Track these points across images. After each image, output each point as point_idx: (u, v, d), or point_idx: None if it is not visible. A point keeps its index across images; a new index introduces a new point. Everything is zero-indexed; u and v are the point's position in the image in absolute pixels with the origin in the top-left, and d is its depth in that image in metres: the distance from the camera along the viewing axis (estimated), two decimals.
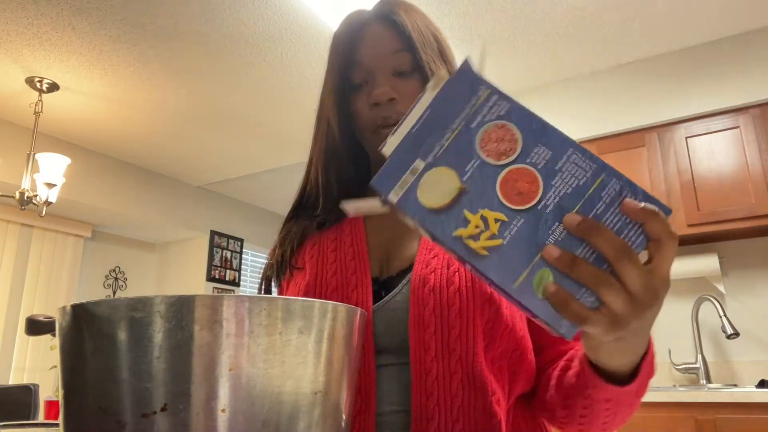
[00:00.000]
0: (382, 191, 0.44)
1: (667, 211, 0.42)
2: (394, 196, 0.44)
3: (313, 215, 0.81)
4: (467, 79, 0.45)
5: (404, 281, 0.69)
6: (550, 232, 0.42)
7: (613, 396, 0.55)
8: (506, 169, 0.44)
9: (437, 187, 0.44)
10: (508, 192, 0.43)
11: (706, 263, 2.65)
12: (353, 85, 0.77)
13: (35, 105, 3.08)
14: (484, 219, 0.43)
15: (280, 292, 0.82)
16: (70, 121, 3.48)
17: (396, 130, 0.45)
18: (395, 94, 0.73)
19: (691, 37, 2.75)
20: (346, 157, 0.78)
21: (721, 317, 2.52)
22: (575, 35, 2.71)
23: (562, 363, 0.67)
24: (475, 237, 0.43)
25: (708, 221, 2.54)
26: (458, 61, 0.80)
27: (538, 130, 0.44)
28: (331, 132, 0.79)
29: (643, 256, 0.42)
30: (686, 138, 2.68)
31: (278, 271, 0.80)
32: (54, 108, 3.30)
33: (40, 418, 2.61)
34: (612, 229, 0.42)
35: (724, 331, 2.50)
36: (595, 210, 0.42)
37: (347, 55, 0.76)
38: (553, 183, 0.43)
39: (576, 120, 3.00)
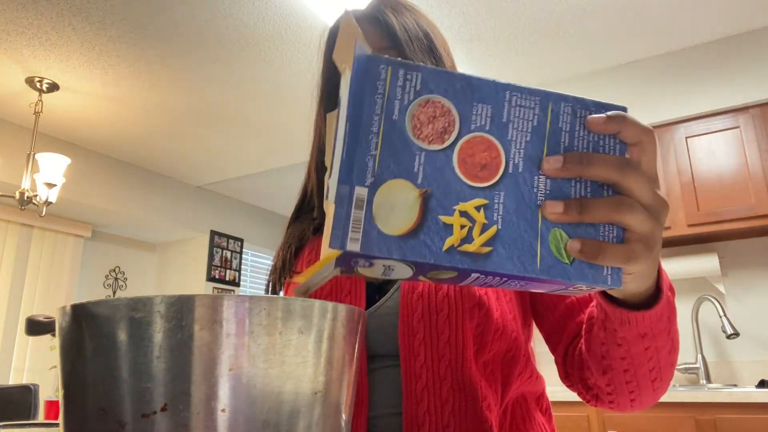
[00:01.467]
0: (344, 266, 0.37)
1: (621, 107, 0.39)
2: (354, 245, 0.34)
3: (311, 219, 0.82)
4: (363, 66, 0.36)
5: (395, 287, 0.70)
6: (535, 190, 0.37)
7: (647, 328, 0.50)
8: (456, 147, 0.37)
9: (395, 206, 0.35)
10: (470, 171, 0.37)
11: (706, 263, 2.65)
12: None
13: (35, 105, 3.08)
14: (464, 214, 0.36)
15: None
16: (70, 121, 3.48)
17: (330, 171, 0.38)
18: None
19: (691, 37, 2.75)
20: None
21: (721, 317, 2.52)
22: (575, 35, 2.72)
23: (582, 333, 0.63)
24: (467, 239, 0.36)
25: (708, 221, 2.54)
26: (455, 58, 0.80)
27: (465, 89, 0.37)
28: (321, 135, 0.79)
29: None
30: (686, 138, 2.68)
31: (280, 276, 0.81)
32: (54, 108, 3.30)
33: (40, 418, 2.61)
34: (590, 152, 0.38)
35: (724, 331, 2.50)
36: (562, 144, 0.38)
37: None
38: (509, 138, 0.37)
39: None
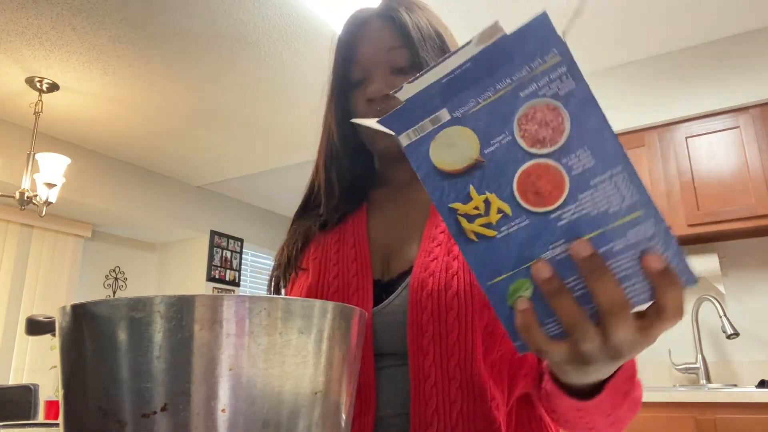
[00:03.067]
0: (392, 129, 0.39)
1: (691, 281, 0.36)
2: (404, 139, 0.39)
3: (317, 215, 0.81)
4: (538, 34, 0.37)
5: (403, 285, 0.69)
6: (550, 246, 0.37)
7: (582, 408, 0.52)
8: (534, 161, 0.37)
9: (453, 148, 0.38)
10: (525, 186, 0.37)
11: (706, 263, 2.65)
12: (352, 83, 0.77)
13: (35, 105, 3.08)
14: (487, 203, 0.38)
15: (286, 293, 0.82)
16: (70, 121, 3.48)
17: (417, 78, 0.38)
18: (390, 90, 0.72)
19: (691, 37, 2.75)
20: (346, 156, 0.78)
21: (721, 317, 2.52)
22: (575, 35, 2.72)
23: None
24: (470, 218, 0.38)
25: (708, 221, 2.54)
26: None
27: (592, 130, 0.36)
28: (331, 132, 0.79)
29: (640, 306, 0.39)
30: (686, 138, 2.68)
31: (285, 272, 0.80)
32: (54, 108, 3.30)
33: (40, 418, 2.61)
34: (621, 273, 0.37)
35: (724, 331, 2.50)
36: (611, 246, 0.36)
37: (347, 53, 0.77)
38: (580, 197, 0.36)
39: None
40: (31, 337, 3.74)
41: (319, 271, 0.74)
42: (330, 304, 0.41)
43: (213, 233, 4.71)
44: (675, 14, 2.58)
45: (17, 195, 2.96)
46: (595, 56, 2.90)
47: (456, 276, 0.65)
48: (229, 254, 4.84)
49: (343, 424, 0.42)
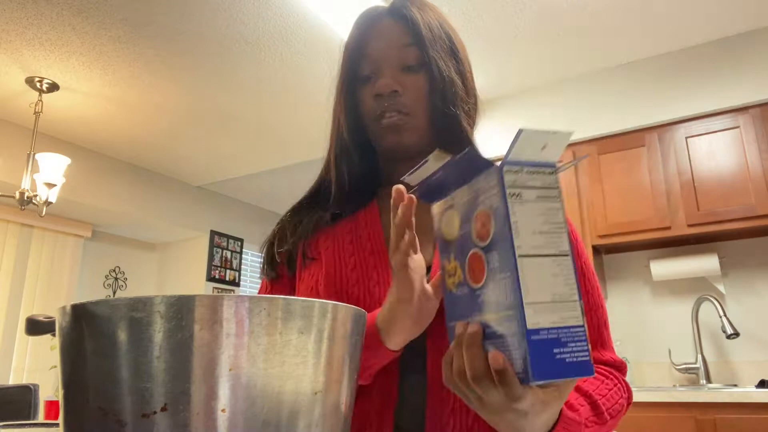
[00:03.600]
0: (426, 196, 0.57)
1: (529, 380, 0.45)
2: (436, 209, 0.57)
3: (326, 207, 0.81)
4: (481, 162, 0.51)
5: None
6: (472, 314, 0.51)
7: None
8: (475, 249, 0.51)
9: (450, 224, 0.55)
10: (470, 265, 0.51)
11: (706, 263, 2.65)
12: (362, 78, 0.78)
13: (35, 105, 3.08)
14: (456, 268, 0.53)
15: (289, 281, 0.81)
16: (70, 121, 3.48)
17: (416, 169, 0.54)
18: (398, 87, 0.73)
19: (691, 37, 2.75)
20: (356, 150, 0.79)
21: (721, 317, 2.52)
22: (575, 35, 2.72)
23: None
24: (448, 275, 0.55)
25: (708, 221, 2.54)
26: (472, 61, 0.82)
27: (502, 239, 0.48)
28: (341, 126, 0.79)
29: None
30: (686, 138, 2.68)
31: (289, 260, 0.80)
32: (54, 108, 3.30)
33: (40, 418, 2.61)
34: (501, 349, 0.48)
35: (724, 331, 2.50)
36: (494, 329, 0.48)
37: (357, 49, 0.78)
38: (490, 285, 0.49)
39: (576, 120, 3.00)
40: (31, 337, 3.74)
41: (335, 262, 0.74)
42: (330, 304, 0.41)
43: (213, 233, 4.71)
44: (675, 14, 2.58)
45: (17, 195, 2.96)
46: (595, 56, 2.90)
47: None
48: (229, 254, 4.84)
49: (342, 424, 0.42)
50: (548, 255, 0.48)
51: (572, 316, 0.47)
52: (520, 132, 0.49)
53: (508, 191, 0.48)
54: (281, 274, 0.81)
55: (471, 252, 0.51)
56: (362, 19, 0.79)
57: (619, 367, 0.73)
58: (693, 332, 2.71)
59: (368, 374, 0.64)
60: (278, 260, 0.79)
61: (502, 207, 0.48)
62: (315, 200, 0.83)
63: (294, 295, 0.79)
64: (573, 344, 0.46)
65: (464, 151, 0.50)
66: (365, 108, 0.77)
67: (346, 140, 0.78)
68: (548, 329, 0.45)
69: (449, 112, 0.74)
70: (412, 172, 0.54)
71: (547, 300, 0.46)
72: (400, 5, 0.77)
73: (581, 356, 0.45)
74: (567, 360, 0.45)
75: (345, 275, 0.73)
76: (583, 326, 0.47)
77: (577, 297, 0.47)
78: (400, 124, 0.74)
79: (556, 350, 0.45)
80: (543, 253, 0.47)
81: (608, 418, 0.64)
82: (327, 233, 0.79)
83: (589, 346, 0.46)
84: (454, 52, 0.77)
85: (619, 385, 0.70)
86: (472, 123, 0.79)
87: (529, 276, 0.46)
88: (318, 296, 0.73)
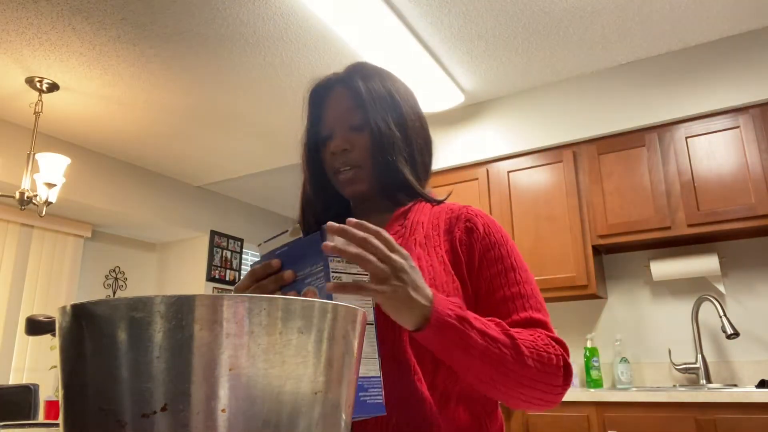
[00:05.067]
0: (287, 263, 0.71)
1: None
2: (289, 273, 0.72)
3: None
4: (316, 246, 0.66)
5: None
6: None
7: (430, 344, 0.70)
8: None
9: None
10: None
11: (706, 263, 2.65)
12: (322, 138, 0.95)
13: (35, 105, 3.08)
14: None
15: None
16: (70, 121, 3.48)
17: (268, 240, 0.71)
18: (348, 145, 0.91)
19: (691, 37, 2.76)
20: (317, 202, 0.97)
21: (721, 317, 2.53)
22: (575, 35, 2.72)
23: None
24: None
25: (708, 221, 2.54)
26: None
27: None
28: (305, 180, 0.98)
29: None
30: (686, 138, 2.69)
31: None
32: (54, 108, 3.30)
33: (40, 418, 2.61)
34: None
35: (724, 331, 2.50)
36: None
37: (315, 115, 0.96)
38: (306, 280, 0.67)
39: (576, 120, 3.00)
40: (31, 337, 3.74)
41: None
42: (330, 304, 0.41)
43: (213, 233, 4.71)
44: (675, 14, 2.58)
45: (17, 195, 2.96)
46: (596, 56, 2.90)
47: None
48: (229, 254, 4.84)
49: (342, 423, 0.42)
50: None
51: (372, 369, 0.62)
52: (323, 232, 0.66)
53: (332, 275, 0.63)
54: None
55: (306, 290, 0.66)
56: (318, 88, 0.97)
57: (539, 324, 0.83)
58: (693, 332, 2.71)
59: None
60: None
61: (327, 283, 0.63)
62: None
63: None
64: (372, 389, 0.61)
65: (304, 237, 0.66)
66: (326, 165, 0.95)
67: (311, 195, 0.97)
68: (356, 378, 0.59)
69: (389, 160, 0.90)
70: (267, 240, 0.70)
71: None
72: (347, 76, 0.95)
73: (377, 399, 0.61)
74: (367, 401, 0.61)
75: None
76: (379, 377, 0.63)
77: (376, 355, 0.64)
78: (352, 177, 0.91)
79: (360, 394, 0.60)
80: None
81: (519, 343, 0.74)
82: None
83: (383, 392, 0.63)
84: (395, 108, 0.93)
85: (534, 334, 0.79)
86: (416, 164, 0.95)
87: None
88: None
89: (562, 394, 0.79)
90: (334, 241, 0.64)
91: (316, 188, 0.97)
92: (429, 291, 0.70)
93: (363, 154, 0.91)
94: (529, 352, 0.74)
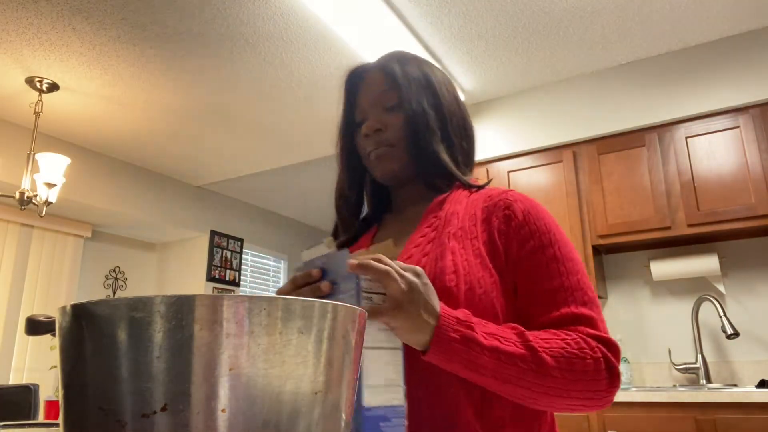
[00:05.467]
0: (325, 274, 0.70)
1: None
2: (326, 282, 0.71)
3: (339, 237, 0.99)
4: (353, 275, 0.65)
5: None
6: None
7: (439, 364, 0.68)
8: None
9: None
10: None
11: (706, 263, 2.65)
12: (356, 124, 0.94)
13: (35, 105, 3.08)
14: None
15: None
16: (70, 121, 3.48)
17: (315, 246, 0.71)
18: (380, 125, 0.89)
19: (691, 37, 2.75)
20: (351, 189, 0.96)
21: (721, 317, 2.52)
22: (575, 35, 2.72)
23: None
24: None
25: (708, 221, 2.54)
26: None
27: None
28: (340, 167, 0.97)
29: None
30: (686, 138, 2.68)
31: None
32: (54, 108, 3.30)
33: (40, 418, 2.61)
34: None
35: (724, 331, 2.50)
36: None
37: (350, 100, 0.95)
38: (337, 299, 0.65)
39: (576, 120, 3.00)
40: (31, 337, 3.74)
41: None
42: (330, 304, 0.41)
43: (213, 233, 4.71)
44: (675, 14, 2.58)
45: (17, 195, 2.96)
46: (596, 56, 2.90)
47: (427, 267, 0.79)
48: (229, 254, 4.84)
49: (342, 423, 0.42)
50: (385, 348, 0.62)
51: (396, 397, 0.61)
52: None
53: (363, 294, 0.62)
54: None
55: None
56: (351, 75, 0.95)
57: (582, 321, 0.75)
58: (693, 332, 2.71)
59: None
60: None
61: (356, 305, 0.60)
62: (335, 232, 1.01)
63: None
64: (395, 419, 0.60)
65: (338, 251, 0.66)
66: (359, 147, 0.93)
67: (344, 182, 0.96)
68: (377, 407, 0.58)
69: (423, 139, 0.88)
70: (310, 247, 0.71)
71: (381, 383, 0.59)
72: (383, 61, 0.94)
73: (399, 430, 0.59)
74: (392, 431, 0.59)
75: None
76: (403, 406, 0.61)
77: (401, 382, 0.62)
78: (384, 155, 0.89)
79: (382, 423, 0.59)
80: (382, 346, 0.62)
81: (540, 353, 0.68)
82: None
83: (406, 422, 0.61)
84: (430, 90, 0.91)
85: (568, 337, 0.72)
86: (453, 146, 0.92)
87: (368, 364, 0.59)
88: None
89: (609, 397, 0.72)
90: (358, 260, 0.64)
91: (351, 180, 0.96)
92: (438, 308, 0.67)
93: (396, 134, 0.89)
94: (555, 362, 0.68)
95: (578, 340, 0.71)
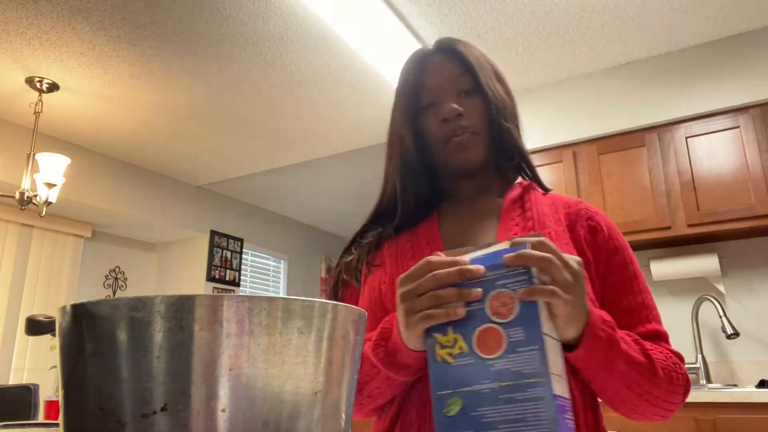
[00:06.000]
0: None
1: None
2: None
3: (390, 223, 0.91)
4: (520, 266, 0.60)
5: None
6: (481, 382, 0.57)
7: (577, 363, 0.66)
8: (489, 324, 0.58)
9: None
10: (481, 338, 0.58)
11: (706, 263, 2.65)
12: (423, 107, 0.87)
13: (35, 105, 3.08)
14: (455, 340, 0.59)
15: (352, 292, 0.90)
16: (70, 121, 3.48)
17: (472, 249, 0.64)
18: (461, 109, 0.83)
19: (691, 37, 2.75)
20: (420, 170, 0.88)
21: (721, 317, 2.52)
22: (575, 35, 2.72)
23: None
24: (442, 345, 0.60)
25: (708, 221, 2.54)
26: (509, 83, 0.94)
27: (529, 318, 0.56)
28: (407, 149, 0.87)
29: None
30: (686, 138, 2.68)
31: (355, 270, 0.89)
32: (54, 108, 3.30)
33: (40, 418, 2.61)
34: (512, 416, 0.56)
35: (724, 331, 2.50)
36: (516, 394, 0.56)
37: (415, 82, 0.88)
38: (509, 357, 0.56)
39: (576, 120, 3.00)
40: (31, 337, 3.74)
41: (397, 264, 0.84)
42: (330, 304, 0.41)
43: (213, 233, 4.71)
44: (675, 14, 2.58)
45: (17, 195, 2.96)
46: (596, 56, 2.90)
47: None
48: (229, 254, 4.84)
49: (342, 423, 0.42)
50: (554, 338, 0.58)
51: (566, 389, 0.57)
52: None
53: (535, 280, 0.58)
54: (350, 286, 0.90)
55: (483, 326, 0.58)
56: (414, 57, 0.90)
57: (662, 338, 0.80)
58: (693, 332, 2.71)
59: (404, 372, 0.71)
60: (345, 277, 0.90)
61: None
62: (379, 218, 0.93)
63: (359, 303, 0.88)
64: (569, 413, 0.56)
65: (504, 247, 0.61)
66: (431, 133, 0.86)
67: (414, 163, 0.87)
68: (561, 397, 0.55)
69: (505, 127, 0.85)
70: (479, 248, 0.65)
71: (557, 373, 0.56)
72: (446, 44, 0.89)
73: (571, 424, 0.56)
74: (569, 425, 0.55)
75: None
76: (569, 399, 0.58)
77: (564, 374, 0.58)
78: (468, 143, 0.83)
79: (565, 415, 0.55)
80: (552, 336, 0.58)
81: (656, 365, 0.71)
82: (390, 244, 0.88)
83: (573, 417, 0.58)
84: (498, 77, 0.89)
85: (662, 352, 0.75)
86: (520, 136, 0.89)
87: (549, 351, 0.55)
88: (380, 294, 0.82)
89: (677, 410, 0.77)
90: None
91: (421, 164, 0.87)
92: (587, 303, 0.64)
93: (478, 120, 0.84)
94: (663, 373, 0.72)
95: (669, 355, 0.75)
